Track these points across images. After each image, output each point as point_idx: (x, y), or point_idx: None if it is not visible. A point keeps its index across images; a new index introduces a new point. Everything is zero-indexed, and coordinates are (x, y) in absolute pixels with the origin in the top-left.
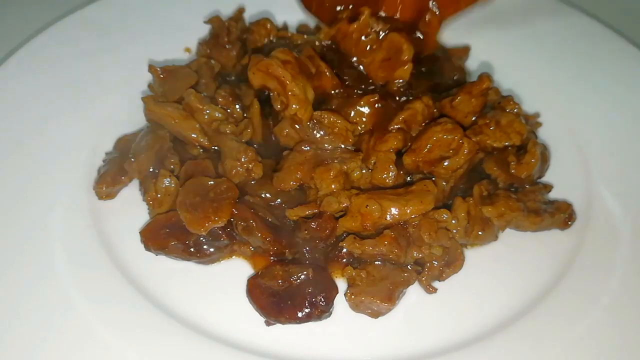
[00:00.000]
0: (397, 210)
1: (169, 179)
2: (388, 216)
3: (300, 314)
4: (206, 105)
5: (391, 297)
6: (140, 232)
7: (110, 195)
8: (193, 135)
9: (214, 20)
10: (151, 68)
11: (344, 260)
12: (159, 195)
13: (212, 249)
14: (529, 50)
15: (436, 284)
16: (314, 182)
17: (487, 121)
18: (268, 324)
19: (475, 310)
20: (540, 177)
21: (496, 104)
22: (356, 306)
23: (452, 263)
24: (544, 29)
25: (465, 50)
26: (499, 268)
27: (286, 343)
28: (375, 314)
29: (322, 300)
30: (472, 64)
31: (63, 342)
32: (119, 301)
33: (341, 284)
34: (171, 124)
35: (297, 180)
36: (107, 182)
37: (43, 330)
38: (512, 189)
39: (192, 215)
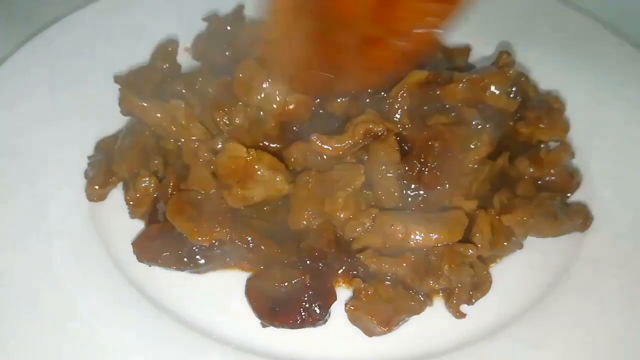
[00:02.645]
0: (422, 235)
1: (147, 179)
2: (412, 240)
3: (294, 320)
4: (192, 124)
5: (389, 322)
6: (132, 244)
7: (101, 197)
8: (173, 128)
9: (212, 19)
10: (117, 80)
11: (354, 272)
12: (137, 195)
13: (204, 260)
14: (528, 51)
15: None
16: (327, 215)
17: (537, 115)
18: (263, 325)
19: (475, 311)
20: (569, 192)
21: (542, 100)
22: (353, 319)
23: (480, 286)
24: (543, 28)
25: (465, 50)
26: (499, 268)
27: (287, 343)
28: (370, 333)
29: (318, 307)
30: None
31: (62, 342)
32: (119, 301)
33: (343, 292)
34: (150, 117)
35: (310, 217)
36: (100, 183)
37: (42, 330)
38: (528, 197)
39: (193, 225)
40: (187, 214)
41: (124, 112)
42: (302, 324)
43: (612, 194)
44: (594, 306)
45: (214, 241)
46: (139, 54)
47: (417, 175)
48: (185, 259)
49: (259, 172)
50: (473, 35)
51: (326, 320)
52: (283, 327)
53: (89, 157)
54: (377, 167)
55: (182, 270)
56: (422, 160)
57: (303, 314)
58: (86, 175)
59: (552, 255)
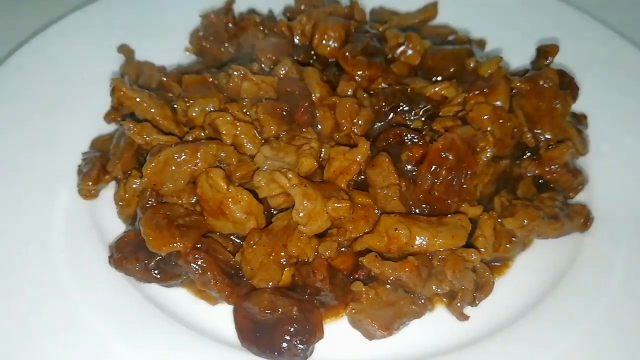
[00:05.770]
0: (426, 240)
1: (138, 180)
2: (415, 244)
3: (271, 350)
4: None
5: (390, 326)
6: (109, 246)
7: (93, 195)
8: (165, 123)
9: (208, 17)
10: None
11: (355, 276)
12: (127, 195)
13: (171, 276)
14: (528, 50)
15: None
16: (298, 256)
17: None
18: (242, 346)
19: (475, 311)
20: (571, 192)
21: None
22: (354, 323)
23: (482, 287)
24: (543, 28)
25: (481, 43)
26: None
27: None
28: (370, 336)
29: (299, 342)
30: None
31: (62, 342)
32: (118, 300)
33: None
34: (143, 110)
35: (280, 274)
36: (93, 180)
37: (42, 330)
38: (529, 199)
39: (155, 233)
40: (156, 222)
41: (115, 103)
42: (280, 356)
43: (612, 195)
44: (595, 307)
45: (171, 253)
46: (140, 54)
47: (428, 189)
48: (153, 272)
49: (233, 212)
50: (473, 34)
51: (307, 357)
52: (260, 354)
53: (83, 154)
54: (379, 191)
55: (149, 282)
56: (435, 172)
57: (283, 346)
58: (79, 171)
59: (552, 255)
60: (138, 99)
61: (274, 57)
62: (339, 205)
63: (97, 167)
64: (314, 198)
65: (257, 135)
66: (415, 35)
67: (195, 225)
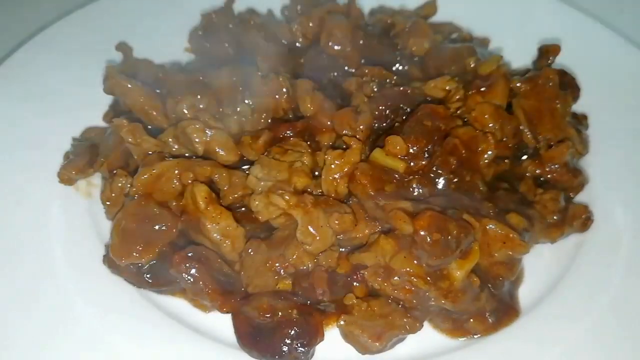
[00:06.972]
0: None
1: (123, 179)
2: (414, 282)
3: (273, 354)
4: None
5: (380, 337)
6: (106, 245)
7: (71, 182)
8: (154, 113)
9: (208, 16)
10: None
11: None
12: (113, 195)
13: (163, 282)
14: (528, 50)
15: None
16: (298, 267)
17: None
18: (242, 349)
19: None
20: (571, 192)
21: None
22: (346, 335)
23: None
24: (545, 28)
25: (484, 42)
26: None
27: None
28: (364, 349)
29: (300, 345)
30: None
31: (62, 342)
32: (118, 300)
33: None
34: (133, 99)
35: (276, 280)
36: (77, 169)
37: (42, 331)
38: (530, 200)
39: (119, 241)
40: (124, 227)
41: (107, 91)
42: (281, 359)
43: (613, 195)
44: (595, 306)
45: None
46: (139, 54)
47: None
48: (145, 276)
49: (210, 232)
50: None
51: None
52: (261, 358)
53: (73, 139)
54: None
55: (140, 287)
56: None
57: (284, 349)
58: (66, 156)
59: (553, 255)
60: (129, 86)
61: (272, 66)
62: (342, 219)
63: (85, 158)
64: (316, 216)
65: (232, 141)
66: (422, 21)
67: (159, 238)
